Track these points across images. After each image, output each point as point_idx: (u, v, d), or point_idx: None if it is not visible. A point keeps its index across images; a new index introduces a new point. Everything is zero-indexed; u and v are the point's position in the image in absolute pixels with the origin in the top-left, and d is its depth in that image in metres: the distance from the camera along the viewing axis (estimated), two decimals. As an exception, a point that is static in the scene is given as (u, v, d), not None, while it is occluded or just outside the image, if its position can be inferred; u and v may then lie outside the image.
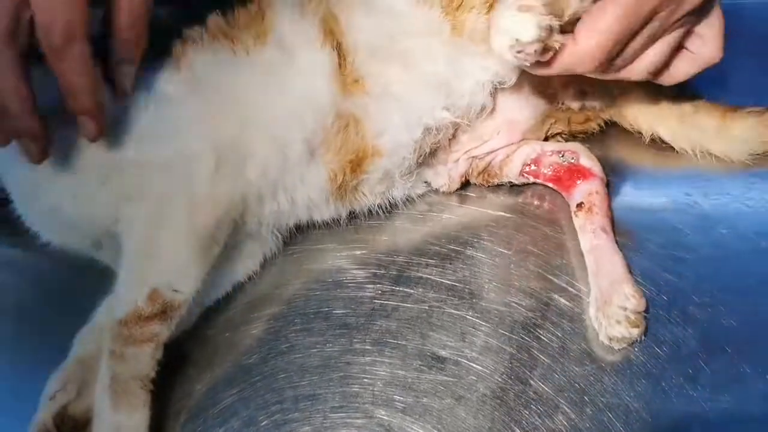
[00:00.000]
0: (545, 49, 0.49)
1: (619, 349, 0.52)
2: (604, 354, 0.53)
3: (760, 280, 0.56)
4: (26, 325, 0.60)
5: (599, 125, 0.63)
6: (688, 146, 0.62)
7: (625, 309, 0.52)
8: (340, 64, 0.56)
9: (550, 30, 0.48)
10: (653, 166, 0.64)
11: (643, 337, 0.52)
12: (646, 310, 0.53)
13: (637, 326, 0.52)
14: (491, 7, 0.54)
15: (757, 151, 0.61)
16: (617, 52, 0.51)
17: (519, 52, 0.49)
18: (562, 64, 0.51)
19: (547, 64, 0.51)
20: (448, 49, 0.56)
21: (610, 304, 0.53)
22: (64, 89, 0.47)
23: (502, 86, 0.58)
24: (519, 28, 0.48)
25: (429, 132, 0.58)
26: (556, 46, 0.50)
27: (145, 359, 0.50)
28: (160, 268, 0.52)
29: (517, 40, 0.48)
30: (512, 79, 0.57)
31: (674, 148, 0.63)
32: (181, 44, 0.56)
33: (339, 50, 0.56)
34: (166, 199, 0.53)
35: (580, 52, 0.50)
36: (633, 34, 0.50)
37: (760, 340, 0.52)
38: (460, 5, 0.55)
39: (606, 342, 0.52)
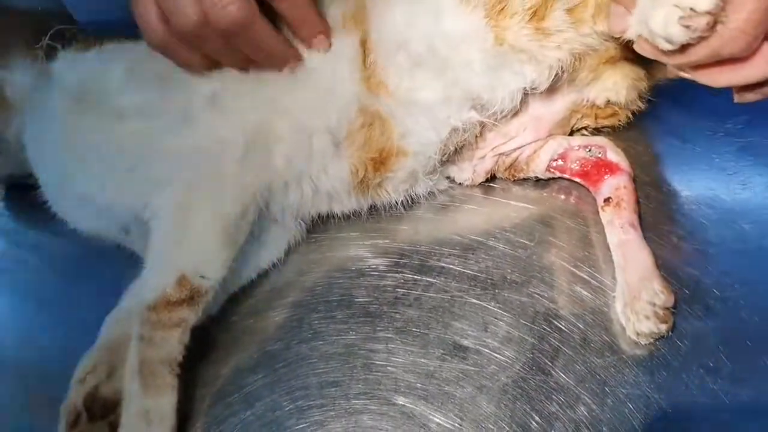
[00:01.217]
0: (713, 24, 0.44)
1: (645, 344, 0.53)
2: (626, 346, 0.53)
3: (781, 273, 0.56)
4: (54, 308, 0.61)
5: (627, 117, 0.63)
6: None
7: (654, 305, 0.52)
8: (364, 60, 0.56)
9: (724, 2, 0.44)
10: (676, 160, 0.64)
11: (670, 333, 0.53)
12: (674, 306, 0.53)
13: (666, 322, 0.52)
14: (535, 14, 0.53)
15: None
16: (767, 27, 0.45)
17: (687, 26, 0.44)
18: (710, 47, 0.46)
19: (693, 49, 0.46)
20: (488, 58, 0.55)
21: (639, 300, 0.53)
22: (291, 23, 0.54)
23: (534, 91, 0.58)
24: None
25: (456, 132, 0.58)
26: (724, 20, 0.44)
27: (173, 344, 0.51)
28: (188, 254, 0.52)
29: (692, 9, 0.44)
30: (546, 84, 0.57)
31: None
32: None
33: (363, 46, 0.56)
34: (195, 186, 0.53)
35: (730, 29, 0.44)
36: None
37: (780, 333, 0.52)
38: (502, 9, 0.54)
39: (633, 337, 0.52)
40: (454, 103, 0.57)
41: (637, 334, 0.52)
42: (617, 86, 0.58)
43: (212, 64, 0.54)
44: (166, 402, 0.50)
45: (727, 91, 0.63)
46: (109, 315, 0.56)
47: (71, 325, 0.59)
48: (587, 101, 0.60)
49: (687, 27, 0.44)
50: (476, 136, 0.60)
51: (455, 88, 0.56)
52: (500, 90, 0.56)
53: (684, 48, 0.46)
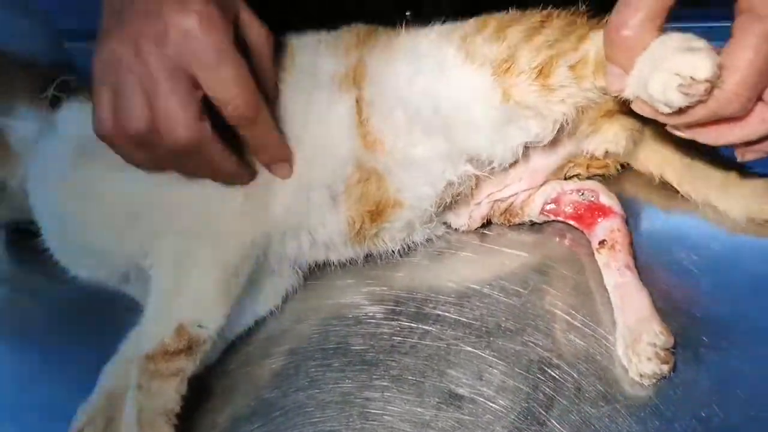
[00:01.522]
0: (711, 89, 0.46)
1: (648, 386, 0.53)
2: (619, 395, 0.54)
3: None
4: (53, 354, 0.62)
5: (616, 168, 0.64)
6: (692, 193, 0.63)
7: (655, 345, 0.53)
8: (359, 118, 0.58)
9: (719, 68, 0.46)
10: (666, 206, 0.65)
11: (672, 373, 0.53)
12: (673, 346, 0.54)
13: (667, 362, 0.53)
14: (541, 72, 0.54)
15: (755, 217, 0.61)
16: (762, 87, 0.47)
17: (686, 93, 0.46)
18: (707, 109, 0.47)
19: (690, 111, 0.48)
20: (493, 115, 0.56)
21: (640, 342, 0.53)
22: (256, 148, 0.55)
23: (537, 144, 0.59)
24: (694, 66, 0.45)
25: (452, 185, 0.59)
26: (720, 84, 0.46)
27: (170, 394, 0.51)
28: (187, 303, 0.53)
29: (692, 78, 0.45)
30: (550, 137, 0.58)
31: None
32: None
33: (359, 103, 0.58)
34: (195, 235, 0.54)
35: (725, 92, 0.46)
36: None
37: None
38: (508, 69, 0.55)
39: (637, 379, 0.53)
40: (452, 159, 0.58)
41: (640, 375, 0.53)
42: (617, 137, 0.59)
43: (159, 167, 0.54)
44: None
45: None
46: (108, 364, 0.56)
47: (70, 373, 0.60)
48: (586, 152, 0.62)
49: (686, 94, 0.45)
50: (472, 187, 0.62)
51: (454, 144, 0.57)
52: (501, 145, 0.57)
53: (681, 110, 0.47)
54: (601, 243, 0.60)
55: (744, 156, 0.52)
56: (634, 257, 0.60)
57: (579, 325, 0.58)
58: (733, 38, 0.46)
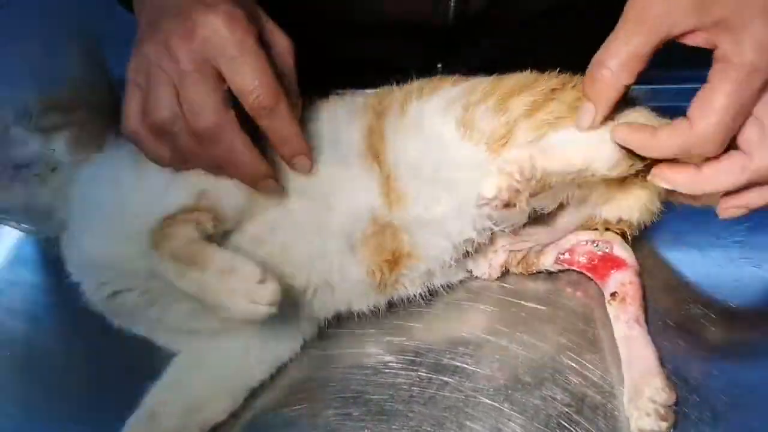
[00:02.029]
0: (507, 205, 0.52)
1: None
2: (637, 452, 0.54)
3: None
4: (74, 407, 0.61)
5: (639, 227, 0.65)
6: None
7: (655, 402, 0.53)
8: (383, 178, 0.59)
9: (517, 192, 0.51)
10: (681, 266, 0.66)
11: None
12: (676, 403, 0.54)
13: (666, 420, 0.53)
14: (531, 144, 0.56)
15: None
16: (735, 130, 0.49)
17: (482, 204, 0.53)
18: (677, 147, 0.50)
19: (657, 148, 0.51)
20: None
21: (641, 396, 0.54)
22: (276, 140, 0.55)
23: (542, 211, 0.60)
24: (487, 184, 0.52)
25: (469, 241, 0.60)
26: (522, 205, 0.53)
27: (189, 230, 0.52)
28: (209, 177, 0.55)
29: (480, 192, 0.52)
30: (553, 206, 0.59)
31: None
32: None
33: (381, 165, 0.59)
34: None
35: (699, 134, 0.48)
36: (748, 111, 0.49)
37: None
38: (504, 144, 0.56)
39: None
40: (467, 218, 0.59)
41: (640, 430, 0.53)
42: (631, 209, 0.60)
43: (181, 161, 0.55)
44: (223, 254, 0.51)
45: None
46: (130, 419, 0.56)
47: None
48: (600, 217, 0.63)
49: (482, 205, 0.54)
50: (488, 240, 0.63)
51: (467, 205, 0.58)
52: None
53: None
54: (613, 295, 0.61)
55: (726, 212, 0.54)
56: (647, 311, 0.61)
57: (596, 380, 0.58)
58: (709, 83, 0.49)
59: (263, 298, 0.49)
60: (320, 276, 0.59)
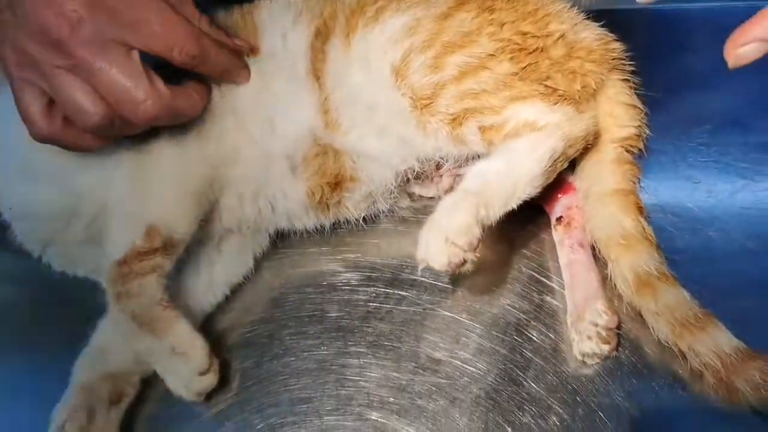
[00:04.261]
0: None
1: (591, 365, 0.52)
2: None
3: (748, 281, 0.56)
4: (25, 354, 0.60)
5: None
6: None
7: (597, 325, 0.52)
8: (323, 100, 0.57)
9: (462, 263, 0.50)
10: (642, 170, 0.65)
11: (615, 353, 0.53)
12: (618, 327, 0.53)
13: (608, 342, 0.52)
14: (453, 120, 0.54)
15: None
16: None
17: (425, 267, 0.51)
18: None
19: None
20: (416, 136, 0.56)
21: (583, 320, 0.53)
22: (217, 76, 0.54)
23: None
24: (435, 255, 0.50)
25: (410, 169, 0.59)
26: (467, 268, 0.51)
27: (152, 287, 0.51)
28: (154, 206, 0.53)
29: (428, 263, 0.50)
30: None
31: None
32: None
33: (321, 86, 0.57)
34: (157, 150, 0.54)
35: None
36: None
37: (747, 340, 0.53)
38: (426, 106, 0.54)
39: (579, 357, 0.53)
40: (402, 155, 0.58)
41: (582, 354, 0.53)
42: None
43: (111, 141, 0.53)
44: (181, 330, 0.51)
45: (689, 102, 0.65)
46: (79, 356, 0.55)
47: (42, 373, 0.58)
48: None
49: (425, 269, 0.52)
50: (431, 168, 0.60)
51: (399, 146, 0.57)
52: (437, 153, 0.57)
53: None
54: (558, 220, 0.59)
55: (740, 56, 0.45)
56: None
57: (555, 286, 0.57)
58: None
59: (197, 388, 0.51)
60: (259, 192, 0.58)
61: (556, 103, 0.54)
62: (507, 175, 0.52)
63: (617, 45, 0.59)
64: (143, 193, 0.54)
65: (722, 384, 0.48)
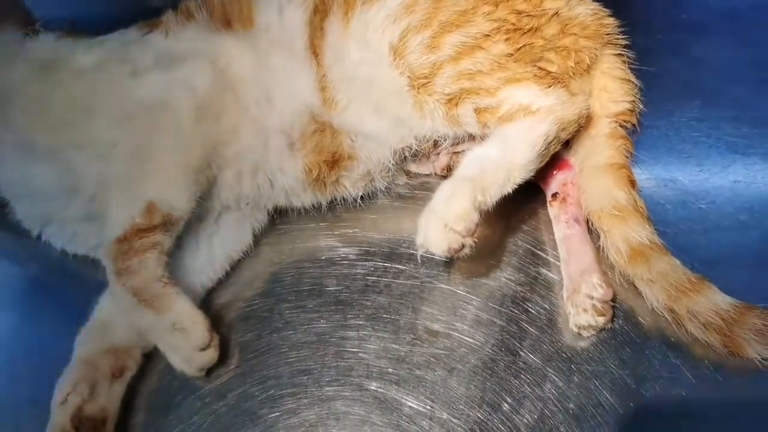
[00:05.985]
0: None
1: (587, 337, 0.53)
2: (590, 325, 0.54)
3: (738, 253, 0.58)
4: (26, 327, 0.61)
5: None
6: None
7: (592, 298, 0.53)
8: (321, 77, 0.57)
9: (461, 248, 0.51)
10: (635, 144, 0.65)
11: (609, 325, 0.54)
12: (614, 299, 0.54)
13: (603, 315, 0.53)
14: (450, 101, 0.55)
15: None
16: None
17: (424, 252, 0.52)
18: None
19: None
20: (412, 116, 0.57)
21: (579, 293, 0.54)
22: None
23: None
24: (434, 241, 0.51)
25: (407, 148, 0.59)
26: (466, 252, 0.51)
27: (152, 264, 0.51)
28: (153, 182, 0.53)
29: (427, 249, 0.51)
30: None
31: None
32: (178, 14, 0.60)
33: (319, 63, 0.57)
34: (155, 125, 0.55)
35: None
36: None
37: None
38: (424, 85, 0.55)
39: (575, 330, 0.53)
40: (400, 134, 0.58)
41: (578, 327, 0.53)
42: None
43: None
44: (182, 307, 0.51)
45: (681, 77, 0.66)
46: (81, 331, 0.55)
47: (43, 350, 0.59)
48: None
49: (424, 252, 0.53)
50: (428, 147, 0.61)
51: (396, 125, 0.57)
52: (434, 134, 0.58)
53: None
54: (554, 196, 0.60)
55: None
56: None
57: (551, 259, 0.58)
58: None
59: (198, 364, 0.52)
60: (257, 168, 0.58)
61: (549, 86, 0.55)
62: (502, 161, 0.53)
63: (611, 20, 0.59)
64: (142, 170, 0.54)
65: (727, 339, 0.50)
